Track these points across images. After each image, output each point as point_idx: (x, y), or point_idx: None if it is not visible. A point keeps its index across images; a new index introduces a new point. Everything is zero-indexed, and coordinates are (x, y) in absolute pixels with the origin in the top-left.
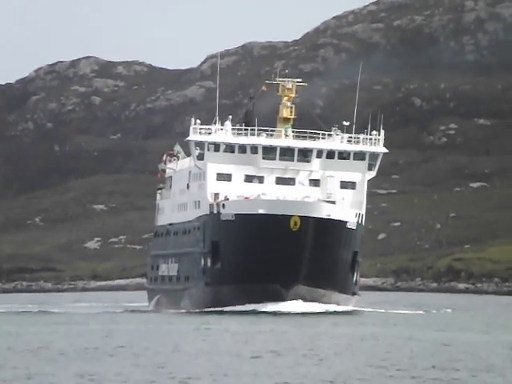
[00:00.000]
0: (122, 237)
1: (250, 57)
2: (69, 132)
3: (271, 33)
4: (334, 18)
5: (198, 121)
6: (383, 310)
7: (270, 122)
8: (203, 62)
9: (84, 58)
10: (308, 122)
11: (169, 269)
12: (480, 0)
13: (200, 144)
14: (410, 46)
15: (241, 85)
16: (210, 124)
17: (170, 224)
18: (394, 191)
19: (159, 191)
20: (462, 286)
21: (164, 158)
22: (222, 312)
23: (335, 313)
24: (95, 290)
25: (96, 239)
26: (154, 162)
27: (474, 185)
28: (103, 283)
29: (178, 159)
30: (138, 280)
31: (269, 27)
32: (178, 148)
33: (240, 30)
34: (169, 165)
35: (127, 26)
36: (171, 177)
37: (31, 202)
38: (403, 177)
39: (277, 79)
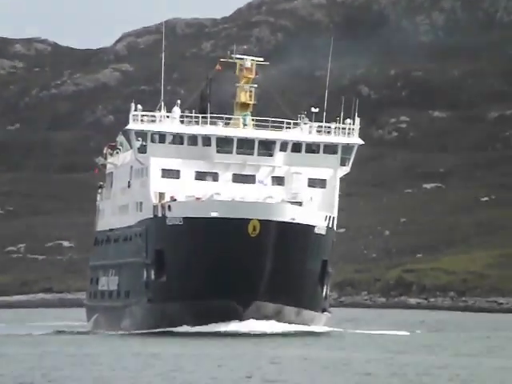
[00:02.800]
0: (21, 245)
1: (172, 36)
2: None
3: (197, 8)
4: None
5: (140, 106)
6: (369, 331)
7: (226, 108)
8: (118, 41)
9: None
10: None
11: (108, 282)
12: None
13: (142, 134)
14: (356, 25)
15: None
16: (127, 114)
17: (111, 229)
18: (338, 193)
19: (100, 190)
20: (413, 300)
21: (104, 150)
22: (167, 333)
23: (301, 333)
24: None
25: None
26: (61, 157)
27: (428, 186)
28: None
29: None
30: (41, 295)
31: (195, 2)
32: (121, 139)
33: (161, 5)
34: (109, 159)
35: None
36: (112, 173)
37: None
38: (348, 177)
39: (234, 57)
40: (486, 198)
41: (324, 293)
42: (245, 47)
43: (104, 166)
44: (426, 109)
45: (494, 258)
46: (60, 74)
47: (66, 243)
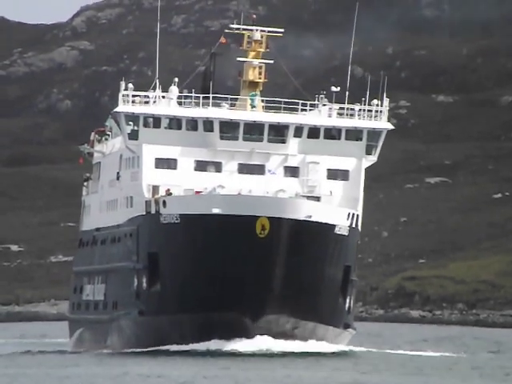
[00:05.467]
0: None
1: (138, 10)
2: None
3: None
4: None
5: (131, 85)
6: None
7: (230, 88)
8: (76, 16)
9: None
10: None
11: (94, 291)
12: None
13: (133, 118)
14: None
15: (127, 46)
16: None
17: (97, 229)
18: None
19: (85, 183)
20: (415, 313)
21: (92, 136)
22: (161, 352)
23: (318, 354)
24: None
25: None
26: (10, 147)
27: (432, 180)
28: None
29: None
30: None
31: None
32: (111, 123)
33: None
34: (97, 147)
35: None
36: (99, 163)
37: None
38: None
39: (240, 27)
40: (498, 195)
41: (347, 305)
42: (222, 22)
43: (90, 154)
44: (430, 92)
45: (508, 264)
46: (9, 53)
47: (14, 247)
